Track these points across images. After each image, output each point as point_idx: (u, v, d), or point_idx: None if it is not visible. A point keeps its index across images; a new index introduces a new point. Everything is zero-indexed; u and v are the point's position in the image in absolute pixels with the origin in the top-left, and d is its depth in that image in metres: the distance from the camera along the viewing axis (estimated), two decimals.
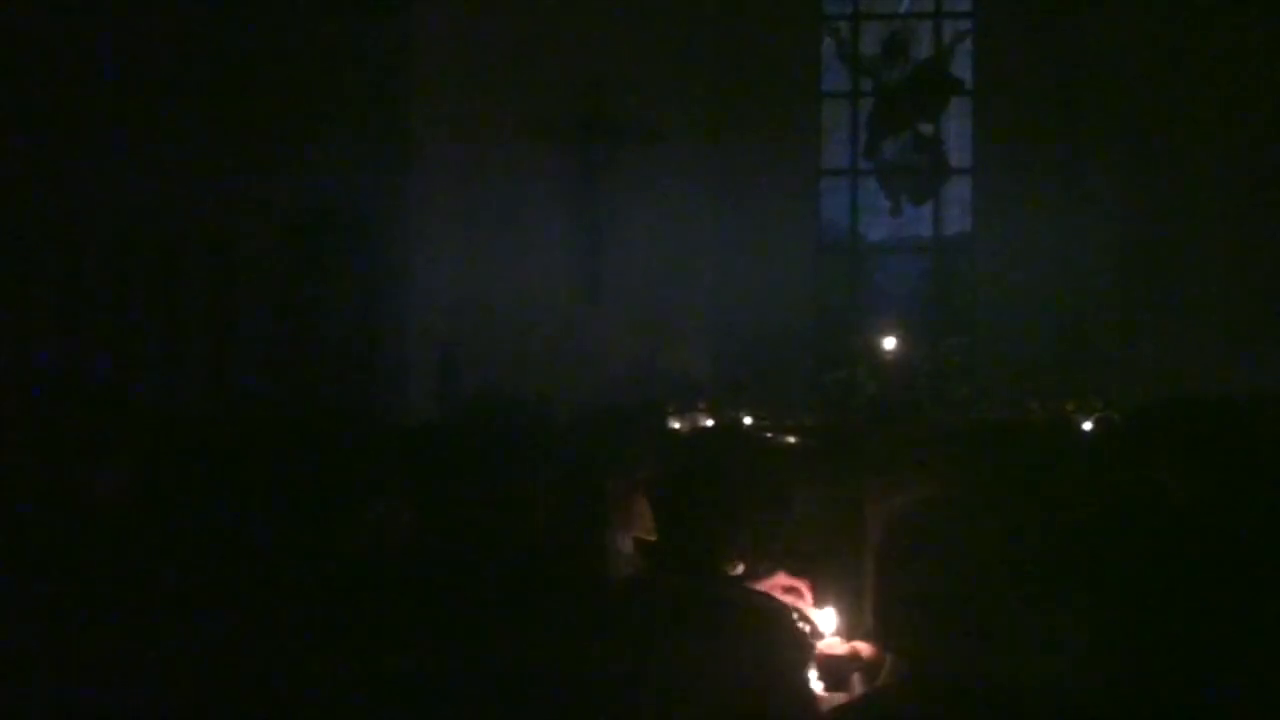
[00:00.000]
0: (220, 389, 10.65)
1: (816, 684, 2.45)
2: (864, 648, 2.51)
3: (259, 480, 2.75)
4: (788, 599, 2.80)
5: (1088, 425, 7.90)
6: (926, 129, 14.39)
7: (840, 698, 2.44)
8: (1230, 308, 12.05)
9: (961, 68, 14.31)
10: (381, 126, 11.09)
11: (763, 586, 2.70)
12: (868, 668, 2.36)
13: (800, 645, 2.38)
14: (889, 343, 13.33)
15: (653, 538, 2.51)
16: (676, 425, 9.91)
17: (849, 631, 2.74)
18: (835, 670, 2.55)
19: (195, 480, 2.80)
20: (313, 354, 11.04)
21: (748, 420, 9.97)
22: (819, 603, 2.80)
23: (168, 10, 10.52)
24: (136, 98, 10.33)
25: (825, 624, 2.75)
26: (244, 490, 2.71)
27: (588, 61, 12.25)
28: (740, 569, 2.55)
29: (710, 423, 9.13)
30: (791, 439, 7.06)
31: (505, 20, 11.62)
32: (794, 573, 2.84)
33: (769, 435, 7.58)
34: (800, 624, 2.75)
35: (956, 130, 14.43)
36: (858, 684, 2.46)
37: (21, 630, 2.28)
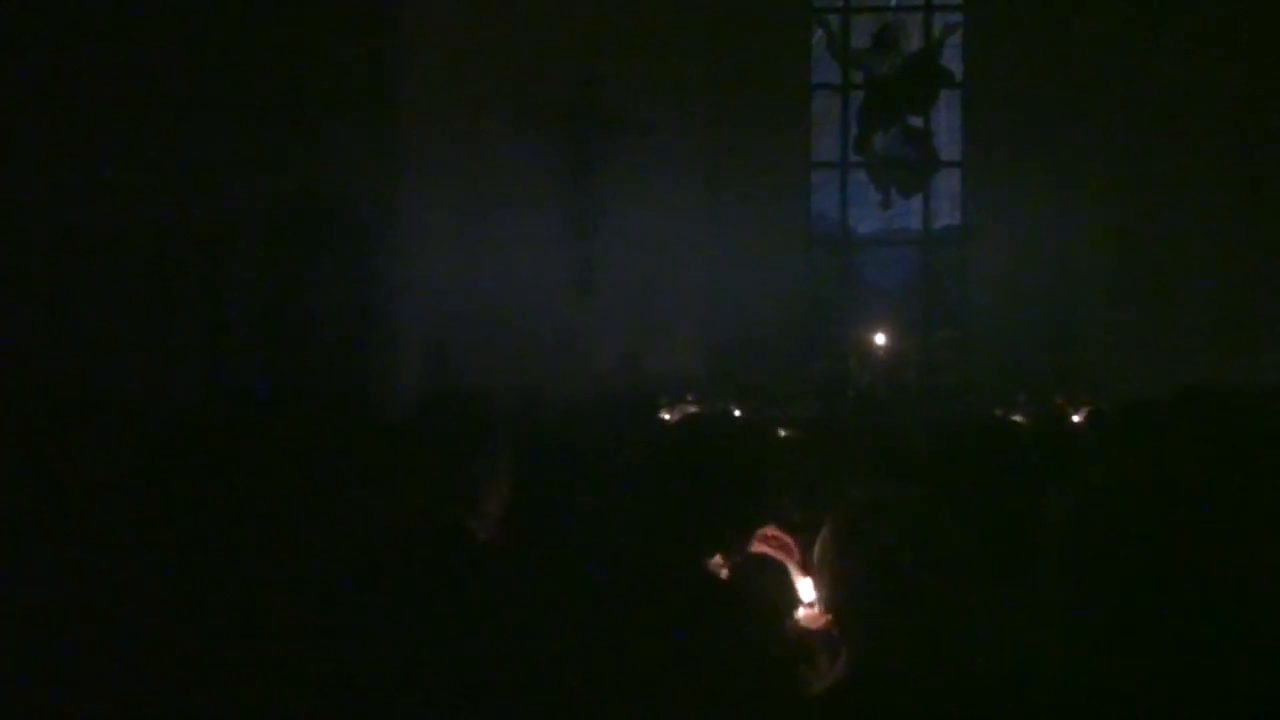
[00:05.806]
0: (212, 383, 10.65)
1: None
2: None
3: (251, 474, 2.77)
4: (777, 554, 2.80)
5: (1077, 418, 7.92)
6: (916, 122, 14.44)
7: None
8: (1220, 301, 12.09)
9: (951, 61, 14.37)
10: (373, 121, 11.09)
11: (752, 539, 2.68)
12: (833, 646, 2.37)
13: (779, 633, 2.40)
14: (879, 335, 13.39)
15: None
16: (667, 417, 9.95)
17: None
18: (809, 644, 2.56)
19: (187, 474, 2.82)
20: (305, 347, 11.05)
21: (737, 412, 9.97)
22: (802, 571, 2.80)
23: (162, 8, 10.51)
24: (130, 94, 10.32)
25: (805, 593, 2.74)
26: (236, 485, 2.73)
27: (579, 55, 12.27)
28: (719, 562, 2.56)
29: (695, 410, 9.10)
30: (781, 430, 7.05)
31: (497, 13, 11.62)
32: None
33: (754, 424, 7.57)
34: (781, 585, 2.75)
35: (946, 123, 14.47)
36: (825, 661, 2.47)
37: (22, 628, 2.30)
